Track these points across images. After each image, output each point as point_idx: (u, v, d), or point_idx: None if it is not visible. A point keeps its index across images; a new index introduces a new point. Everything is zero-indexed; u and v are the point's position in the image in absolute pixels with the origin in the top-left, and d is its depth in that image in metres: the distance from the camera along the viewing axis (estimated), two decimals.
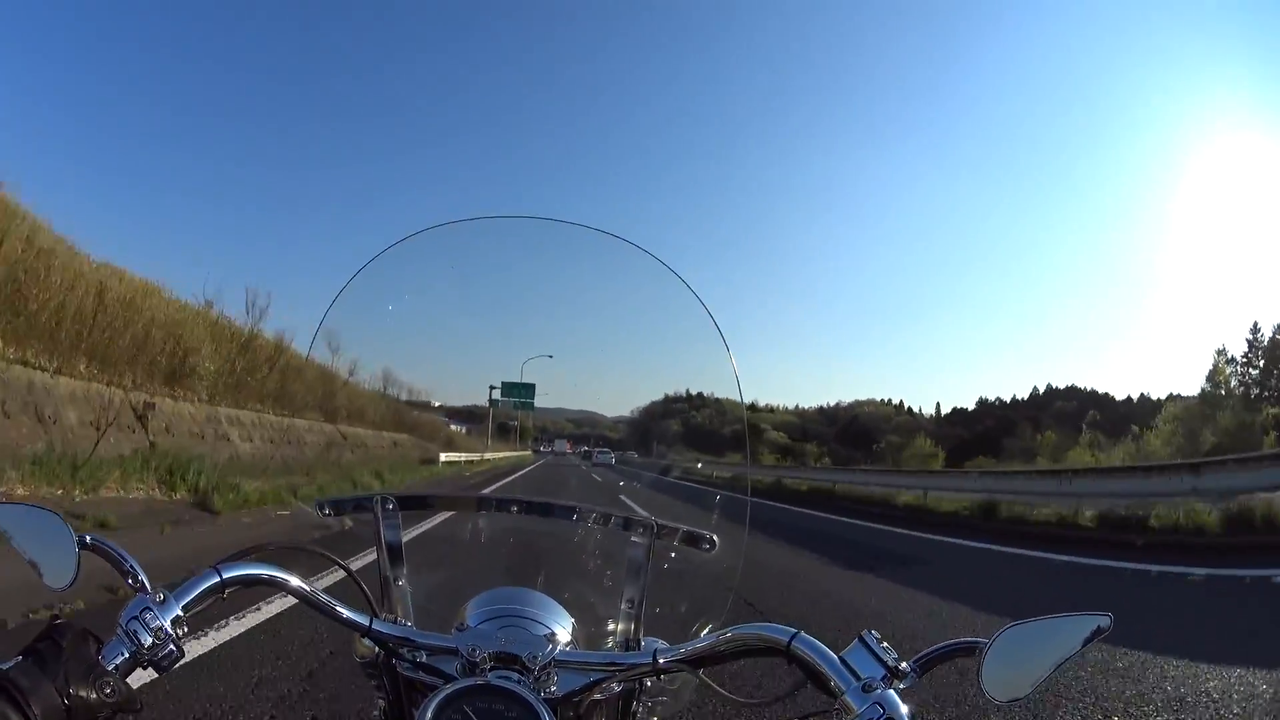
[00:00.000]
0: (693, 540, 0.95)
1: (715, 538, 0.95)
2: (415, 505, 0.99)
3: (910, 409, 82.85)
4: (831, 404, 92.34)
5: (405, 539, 0.92)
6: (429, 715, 0.64)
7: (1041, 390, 71.59)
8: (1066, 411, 56.05)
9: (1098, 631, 0.60)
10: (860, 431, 70.94)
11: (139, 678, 0.68)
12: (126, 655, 0.62)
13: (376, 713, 0.86)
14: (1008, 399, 73.64)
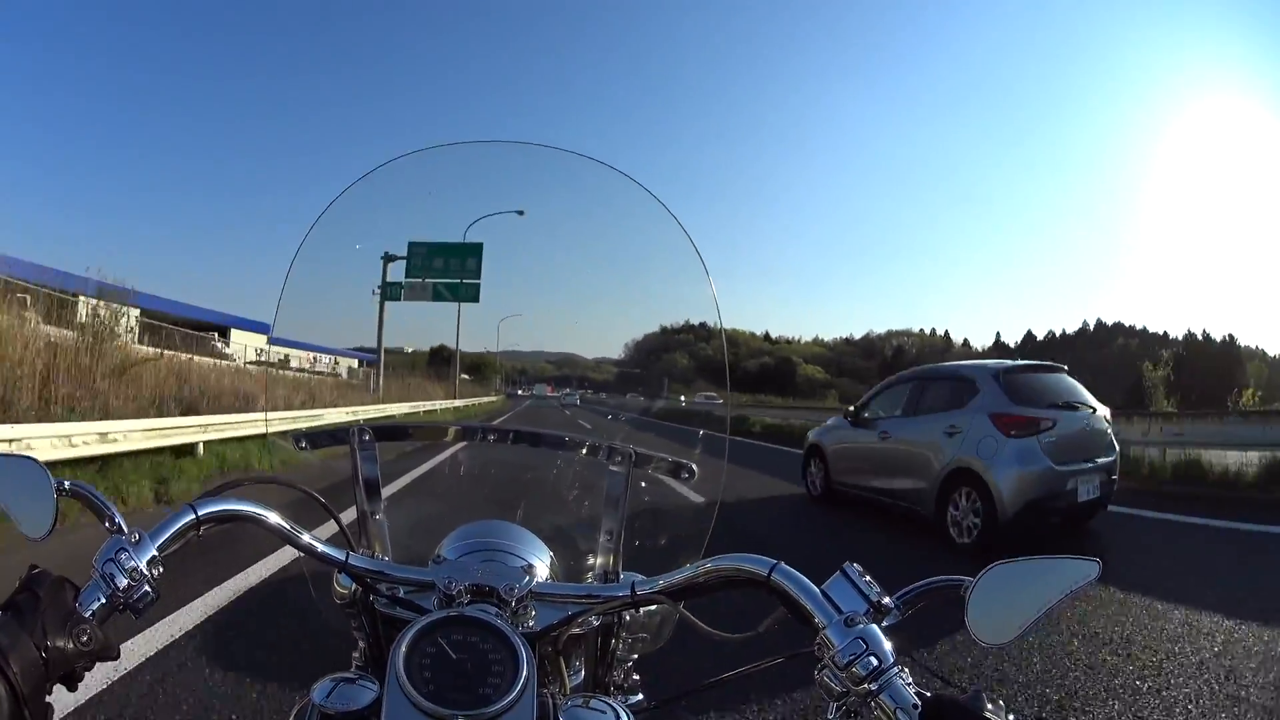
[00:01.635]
0: (673, 470, 0.95)
1: (695, 466, 0.95)
2: (394, 436, 0.97)
3: (964, 340, 75.99)
4: (858, 335, 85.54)
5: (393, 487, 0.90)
6: (404, 648, 0.63)
7: (1092, 325, 67.30)
8: (1130, 349, 54.08)
9: (1085, 579, 0.60)
10: (911, 363, 64.70)
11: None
12: (103, 600, 0.61)
13: (356, 653, 0.86)
14: (1056, 332, 69.26)
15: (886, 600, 0.63)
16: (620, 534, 0.89)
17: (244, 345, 29.21)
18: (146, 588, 0.63)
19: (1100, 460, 5.36)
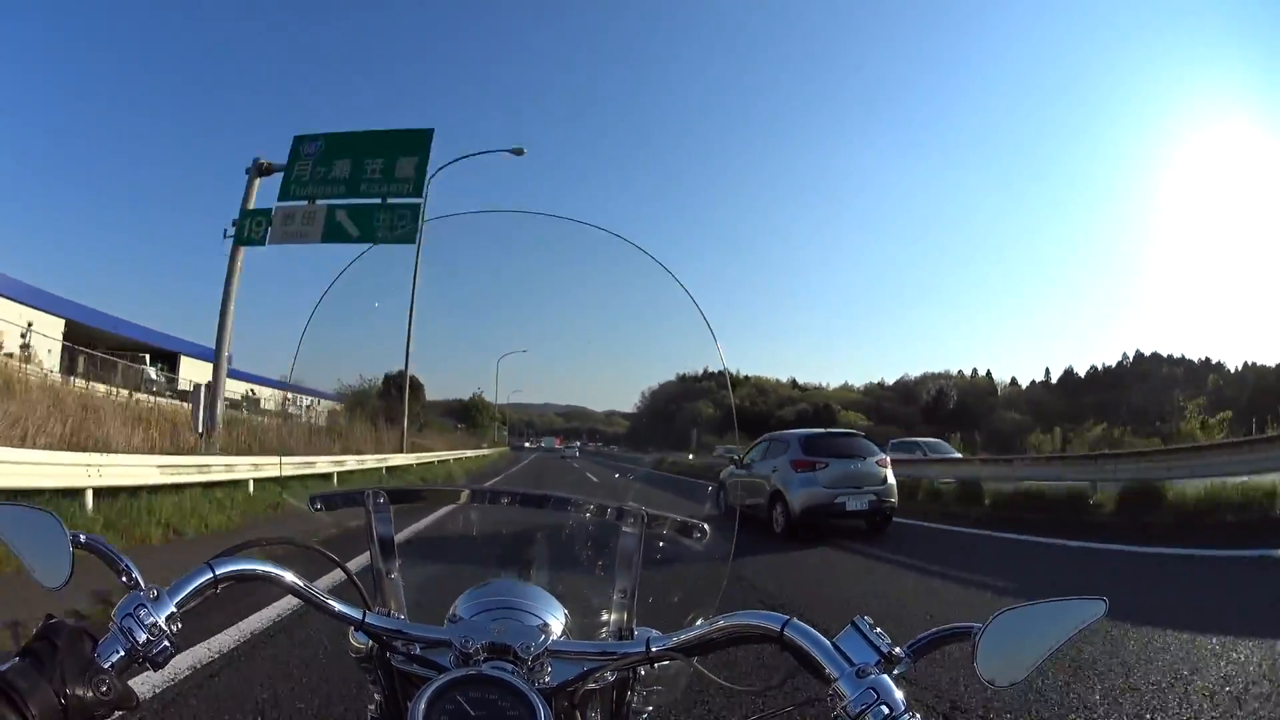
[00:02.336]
0: (684, 530, 0.96)
1: (706, 527, 0.95)
2: (407, 499, 0.99)
3: (1012, 379, 72.24)
4: (890, 379, 79.54)
5: (399, 538, 0.92)
6: (423, 706, 0.63)
7: (1131, 356, 64.93)
8: (1175, 377, 53.12)
9: (1093, 617, 0.60)
10: (957, 407, 61.84)
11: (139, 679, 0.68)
12: (122, 653, 0.62)
13: (372, 706, 0.86)
14: (1098, 366, 66.34)
15: (897, 650, 0.64)
16: (634, 592, 0.90)
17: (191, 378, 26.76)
18: (166, 643, 0.64)
19: (869, 487, 8.59)
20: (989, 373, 73.95)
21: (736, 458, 10.32)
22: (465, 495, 1.08)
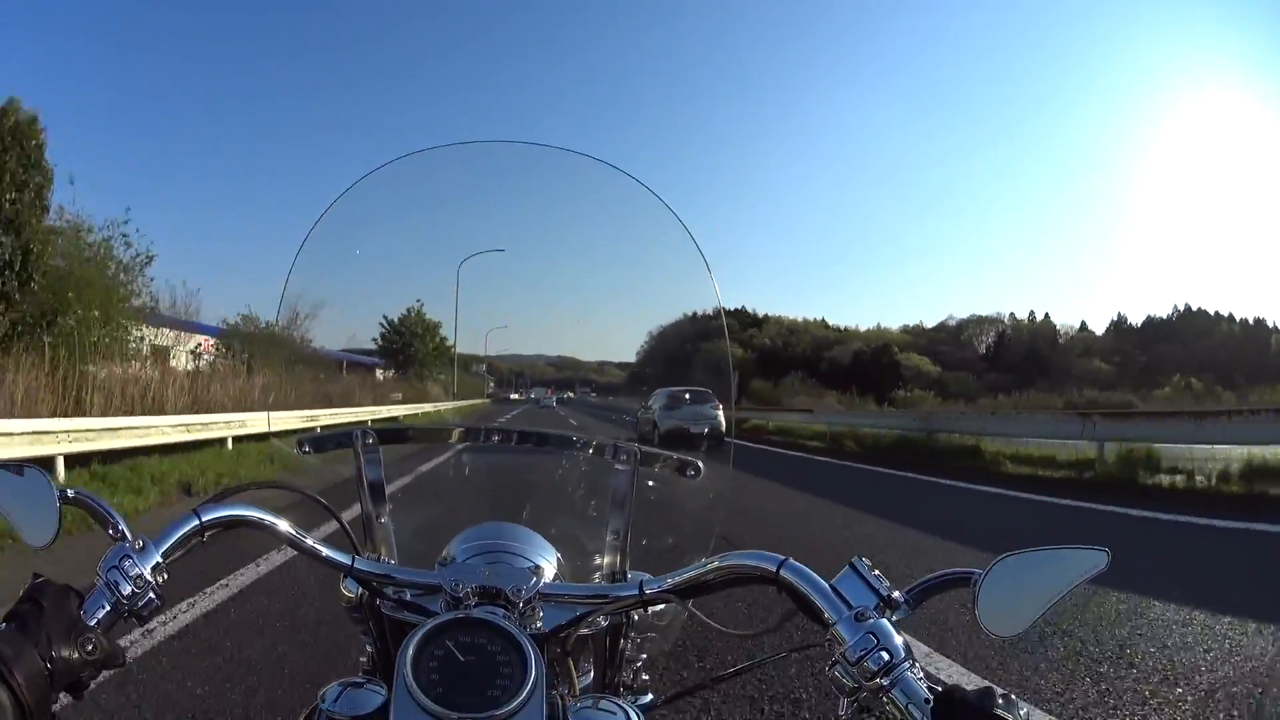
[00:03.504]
0: (679, 468, 0.94)
1: (700, 463, 0.94)
2: (396, 439, 0.97)
3: (1081, 323, 60.46)
4: (928, 322, 65.27)
5: (390, 488, 0.90)
6: (411, 651, 0.62)
7: (1181, 309, 56.02)
8: (1234, 334, 49.26)
9: (1095, 568, 0.59)
10: (1027, 353, 51.29)
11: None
12: (108, 608, 0.61)
13: (364, 659, 0.86)
14: (1150, 315, 57.63)
15: (896, 594, 0.62)
16: (627, 533, 0.89)
17: None
18: (151, 595, 0.63)
19: (706, 421, 10.13)
20: (1047, 316, 61.18)
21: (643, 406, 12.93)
22: (458, 434, 1.06)
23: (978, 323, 62.74)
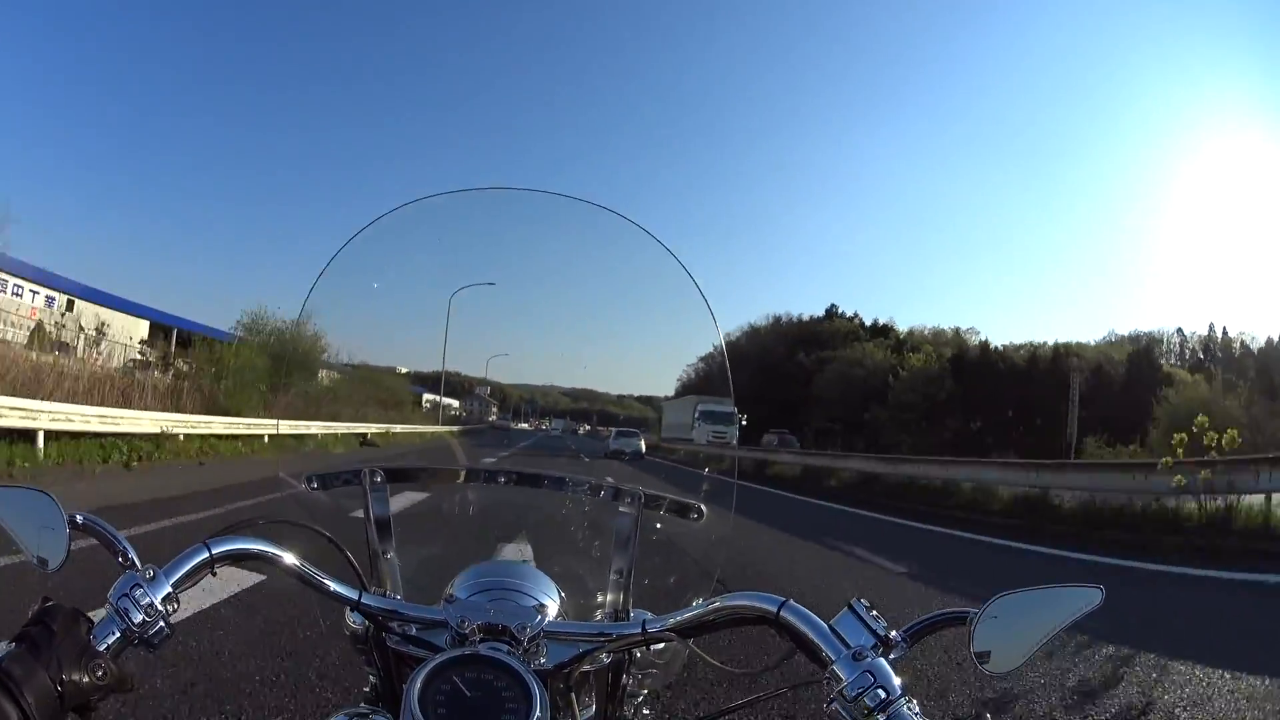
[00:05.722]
0: (680, 510, 0.96)
1: (703, 507, 0.96)
2: (404, 478, 0.99)
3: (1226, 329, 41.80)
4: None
5: (392, 511, 0.92)
6: (418, 686, 0.63)
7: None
8: None
9: (1090, 605, 0.60)
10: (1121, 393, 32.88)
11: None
12: (117, 634, 0.62)
13: (367, 688, 0.86)
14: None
15: (893, 634, 0.63)
16: (630, 573, 0.90)
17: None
18: (161, 623, 0.64)
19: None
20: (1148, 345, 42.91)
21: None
22: (463, 475, 1.08)
23: (1013, 351, 44.50)
